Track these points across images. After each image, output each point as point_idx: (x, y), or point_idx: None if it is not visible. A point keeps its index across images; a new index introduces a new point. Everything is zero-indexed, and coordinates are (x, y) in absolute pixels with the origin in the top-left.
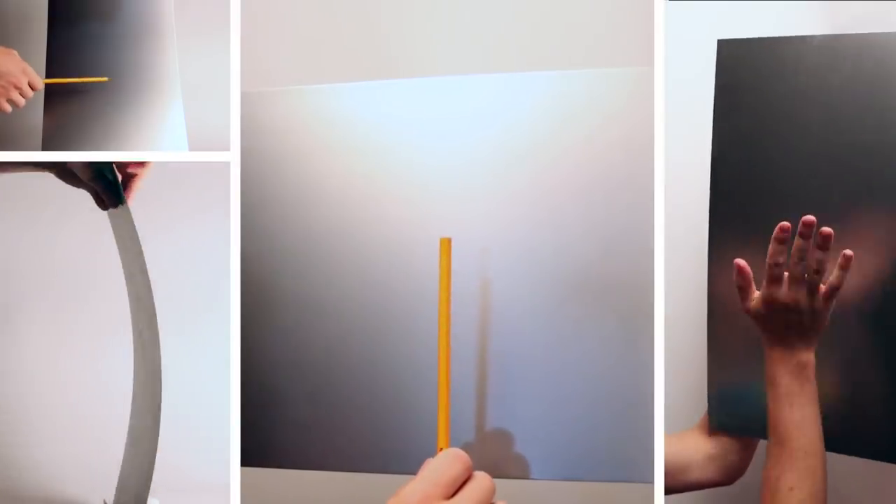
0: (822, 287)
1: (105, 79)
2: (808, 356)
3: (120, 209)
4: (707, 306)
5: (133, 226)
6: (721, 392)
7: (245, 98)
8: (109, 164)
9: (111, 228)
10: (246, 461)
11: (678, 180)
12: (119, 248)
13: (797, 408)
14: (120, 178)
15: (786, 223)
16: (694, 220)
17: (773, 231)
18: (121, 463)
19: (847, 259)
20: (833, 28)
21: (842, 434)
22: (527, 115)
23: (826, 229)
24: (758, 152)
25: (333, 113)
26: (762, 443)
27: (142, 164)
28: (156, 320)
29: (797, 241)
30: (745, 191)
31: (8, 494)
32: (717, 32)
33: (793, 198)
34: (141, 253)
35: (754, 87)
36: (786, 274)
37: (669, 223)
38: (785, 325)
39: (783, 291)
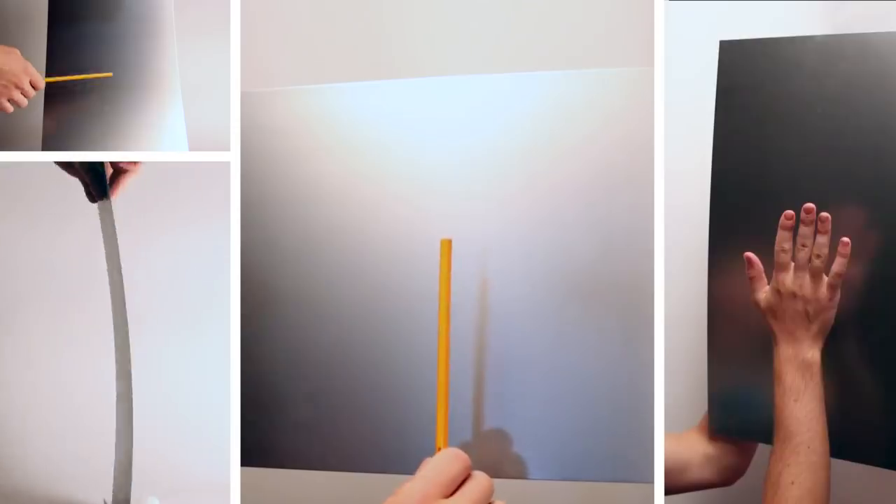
0: (826, 277)
1: (108, 74)
2: (815, 355)
3: (105, 203)
4: (707, 306)
5: (113, 223)
6: (721, 394)
7: (245, 98)
8: None
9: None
10: (246, 461)
11: (678, 180)
12: (104, 244)
13: (802, 404)
14: (111, 172)
15: (790, 211)
16: (694, 220)
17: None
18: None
19: (845, 246)
20: (833, 28)
21: (840, 439)
22: (526, 115)
23: (825, 214)
24: (758, 152)
25: (333, 113)
26: (762, 444)
27: (134, 161)
28: (125, 319)
29: (800, 229)
30: (745, 191)
31: (8, 494)
32: (717, 32)
33: (792, 198)
34: (117, 251)
35: (754, 88)
36: (792, 263)
37: (669, 223)
38: (792, 314)
39: (790, 277)
